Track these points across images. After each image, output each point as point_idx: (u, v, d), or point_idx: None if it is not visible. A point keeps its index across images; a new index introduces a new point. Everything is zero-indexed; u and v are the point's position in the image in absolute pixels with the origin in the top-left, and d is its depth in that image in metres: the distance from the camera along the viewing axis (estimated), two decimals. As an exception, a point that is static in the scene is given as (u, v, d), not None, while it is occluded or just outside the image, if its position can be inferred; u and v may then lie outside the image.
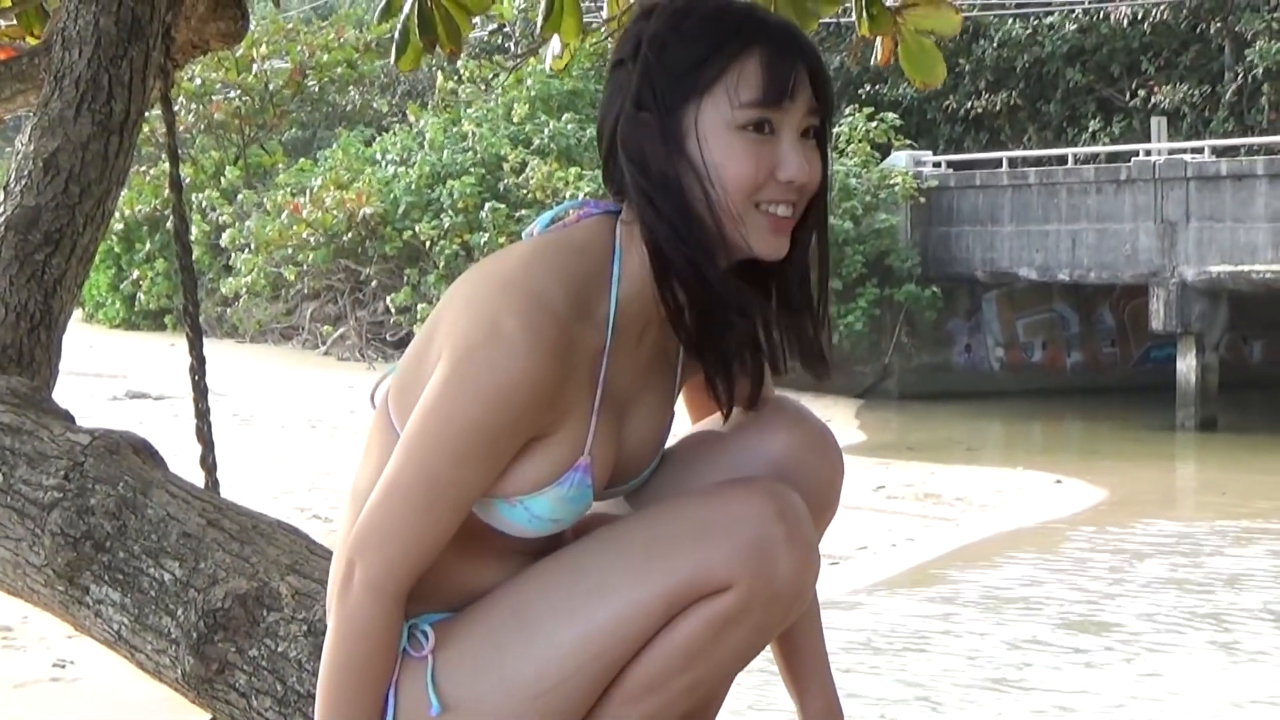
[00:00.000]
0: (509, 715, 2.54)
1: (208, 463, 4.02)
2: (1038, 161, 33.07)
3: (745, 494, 2.53)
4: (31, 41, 5.14)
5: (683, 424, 2.92)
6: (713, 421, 2.80)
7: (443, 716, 2.57)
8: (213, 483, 4.00)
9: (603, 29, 5.94)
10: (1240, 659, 14.32)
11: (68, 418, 3.65)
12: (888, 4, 4.93)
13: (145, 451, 3.50)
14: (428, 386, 2.52)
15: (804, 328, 2.68)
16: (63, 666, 12.10)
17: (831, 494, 2.74)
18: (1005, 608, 16.00)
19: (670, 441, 2.82)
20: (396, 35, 5.24)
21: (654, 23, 2.54)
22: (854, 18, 5.17)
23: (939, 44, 5.03)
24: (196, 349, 4.35)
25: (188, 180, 37.18)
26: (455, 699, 2.56)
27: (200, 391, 4.27)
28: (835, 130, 33.20)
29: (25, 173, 4.08)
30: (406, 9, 5.19)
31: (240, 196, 40.37)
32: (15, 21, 5.26)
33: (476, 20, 5.34)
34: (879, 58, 5.12)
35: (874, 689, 12.97)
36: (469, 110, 36.75)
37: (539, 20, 5.19)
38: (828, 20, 31.52)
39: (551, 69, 5.79)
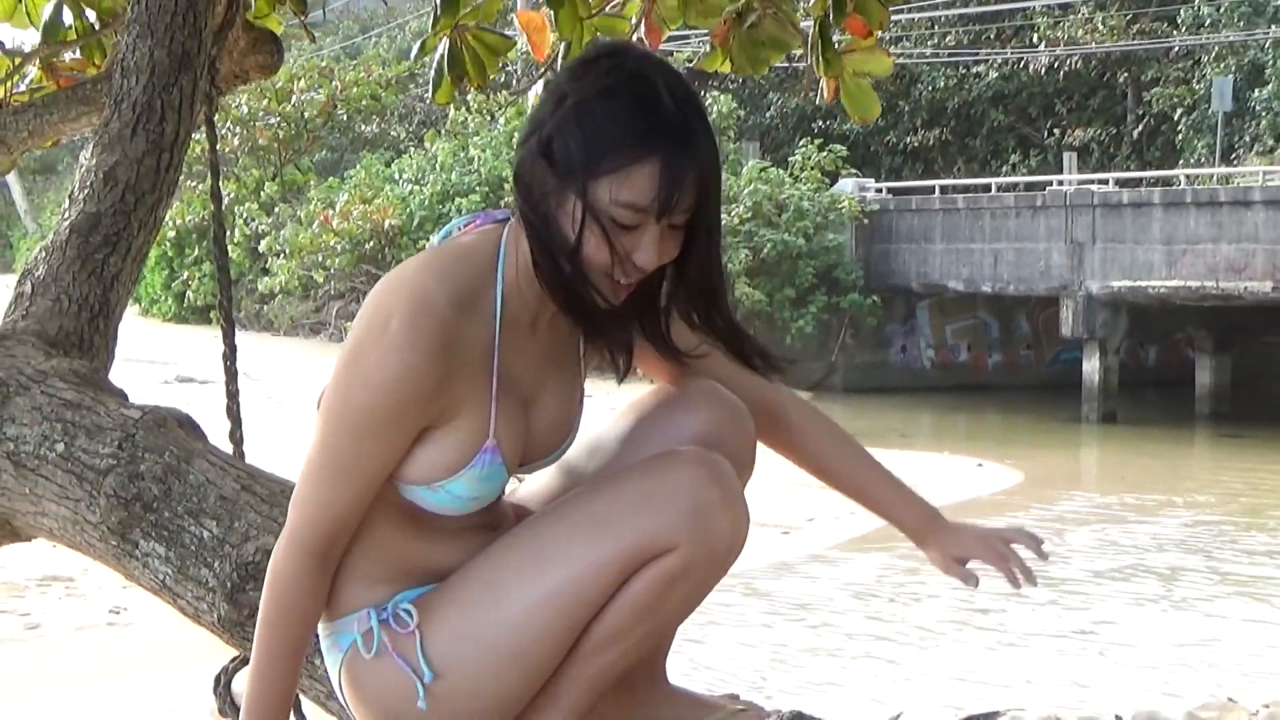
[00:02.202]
0: (491, 675, 2.55)
1: (235, 436, 4.01)
2: (965, 189, 33.08)
3: (680, 464, 2.52)
4: (92, 71, 5.12)
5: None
6: (640, 402, 2.80)
7: (435, 682, 2.56)
8: (239, 454, 3.98)
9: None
10: (1176, 605, 14.56)
11: (122, 396, 3.64)
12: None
13: (188, 425, 3.50)
14: (332, 374, 2.53)
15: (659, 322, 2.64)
16: (117, 613, 12.07)
17: (748, 456, 2.74)
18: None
19: (605, 422, 2.81)
20: (432, 73, 5.19)
21: (587, 84, 2.45)
22: (807, 62, 5.19)
23: (878, 86, 5.05)
24: (229, 338, 4.34)
25: (231, 194, 37.19)
26: (444, 666, 2.56)
27: (231, 375, 4.26)
28: (791, 159, 33.43)
29: (88, 184, 4.08)
30: (440, 50, 5.17)
31: (277, 209, 40.37)
32: (79, 54, 5.24)
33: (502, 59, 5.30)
34: (825, 96, 5.14)
35: (845, 632, 13.01)
36: (475, 138, 36.76)
37: (559, 59, 5.15)
38: (784, 65, 31.56)
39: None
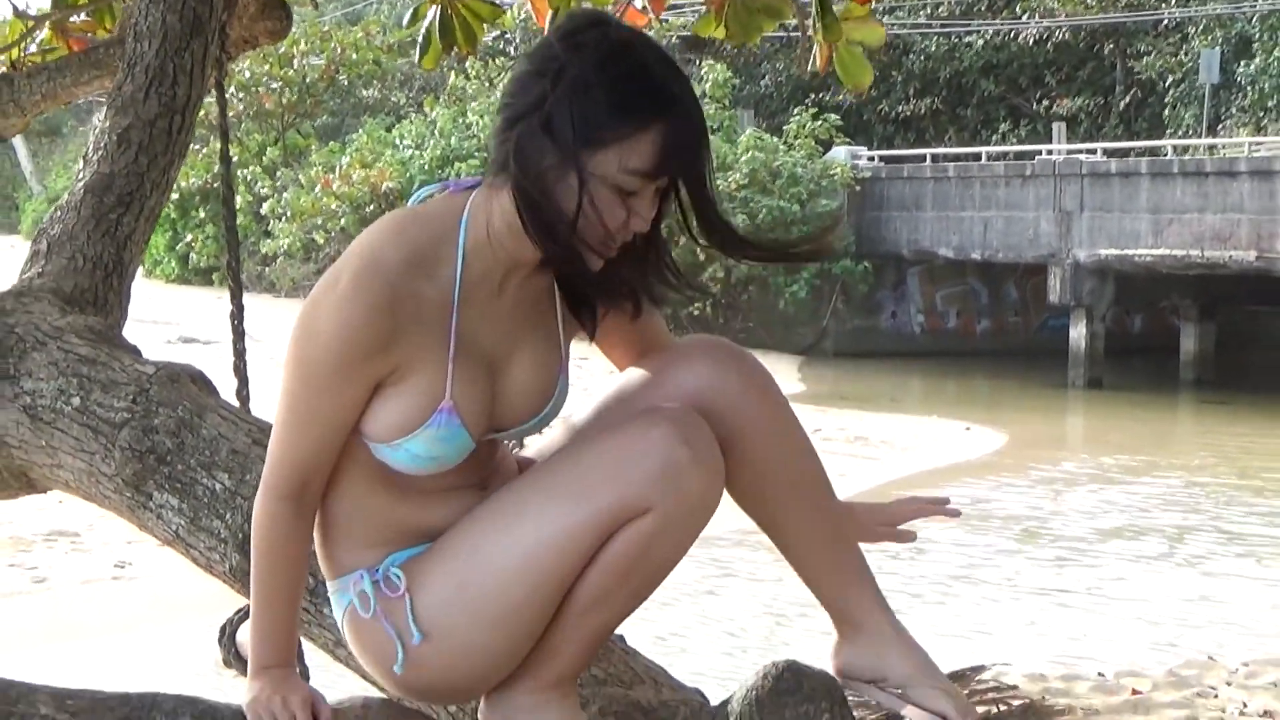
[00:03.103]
0: (478, 639, 2.56)
1: (241, 394, 4.02)
2: (956, 158, 32.98)
3: (651, 425, 2.51)
4: (103, 34, 5.13)
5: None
6: (643, 363, 2.77)
7: (423, 644, 2.57)
8: (246, 410, 4.00)
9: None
10: (1175, 563, 14.59)
11: (136, 352, 3.65)
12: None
13: (201, 381, 3.52)
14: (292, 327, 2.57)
15: (648, 281, 2.65)
16: (123, 567, 12.10)
17: (753, 393, 2.68)
18: (983, 512, 16.14)
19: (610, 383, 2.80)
20: (420, 38, 5.25)
21: (582, 59, 2.45)
22: (806, 31, 5.21)
23: (870, 55, 5.07)
24: (237, 299, 4.35)
25: (235, 158, 37.06)
26: (431, 628, 2.57)
27: (238, 334, 4.27)
28: (785, 127, 33.36)
29: (102, 145, 4.09)
30: (430, 16, 5.21)
31: (279, 173, 40.34)
32: (90, 17, 5.25)
33: (489, 26, 5.34)
34: (819, 65, 5.17)
35: (881, 577, 13.03)
36: (474, 104, 36.70)
37: (545, 27, 5.18)
38: (779, 35, 31.49)
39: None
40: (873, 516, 2.88)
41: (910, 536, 2.92)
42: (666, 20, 26.51)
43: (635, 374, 2.75)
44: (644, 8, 5.16)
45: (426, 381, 2.53)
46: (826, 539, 2.73)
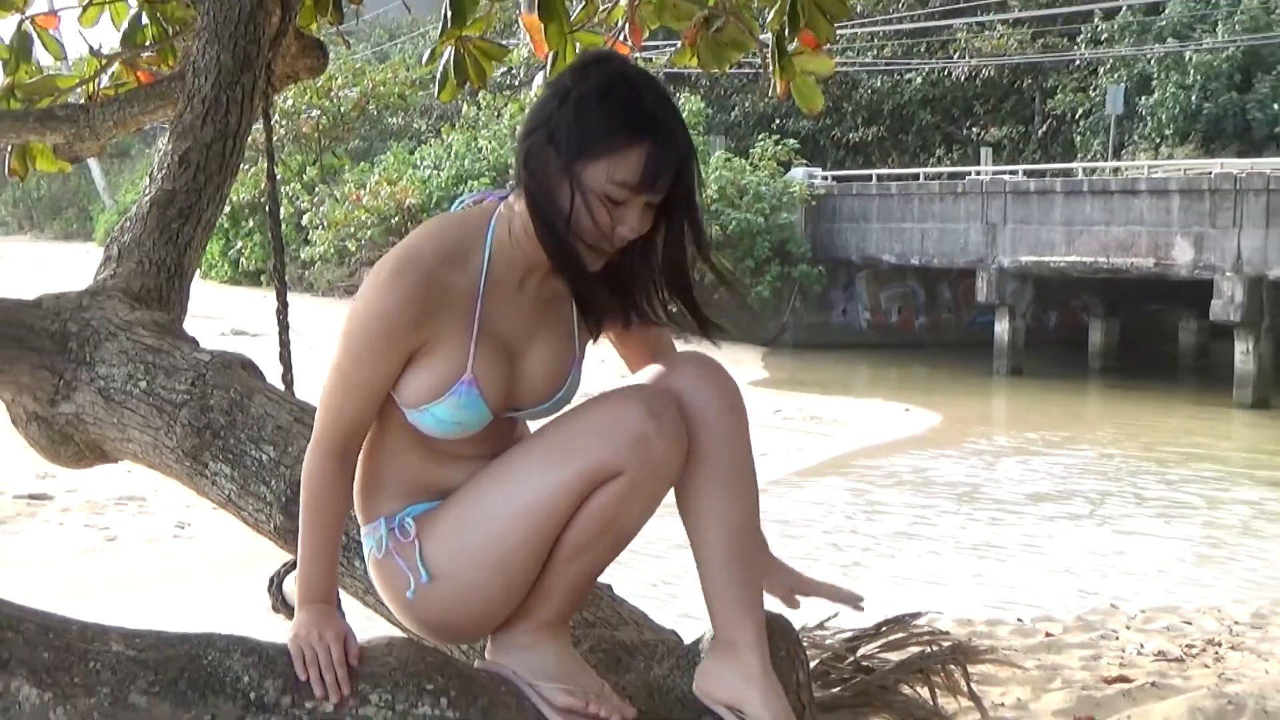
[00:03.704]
0: (479, 580, 2.58)
1: (286, 379, 4.02)
2: (898, 178, 33.03)
3: (625, 399, 2.53)
4: (166, 70, 5.13)
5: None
6: (638, 374, 2.77)
7: (431, 584, 2.60)
8: (290, 393, 4.01)
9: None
10: (1096, 522, 14.62)
11: (194, 342, 3.66)
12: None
13: (250, 368, 3.53)
14: None
15: (641, 288, 2.64)
16: (183, 527, 12.08)
17: (722, 408, 2.63)
18: (902, 487, 16.15)
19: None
20: (439, 74, 5.27)
21: (586, 85, 2.50)
22: (765, 66, 5.25)
23: (825, 89, 5.13)
24: (281, 296, 4.35)
25: (279, 176, 37.05)
26: (439, 570, 2.59)
27: (283, 327, 4.27)
28: (751, 151, 33.36)
29: (165, 165, 4.10)
30: (446, 55, 5.23)
31: (317, 189, 40.25)
32: (155, 55, 5.25)
33: (497, 65, 5.37)
34: (778, 93, 5.23)
35: (810, 543, 13.03)
36: (484, 130, 36.68)
37: (548, 66, 5.22)
38: (746, 71, 31.50)
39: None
40: (783, 575, 2.81)
41: (796, 604, 2.81)
42: (650, 58, 26.50)
43: (638, 374, 2.76)
44: (624, 39, 5.19)
45: (452, 356, 2.56)
46: (735, 560, 2.63)
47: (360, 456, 2.67)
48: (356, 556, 2.96)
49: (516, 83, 38.92)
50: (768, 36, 5.18)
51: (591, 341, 2.76)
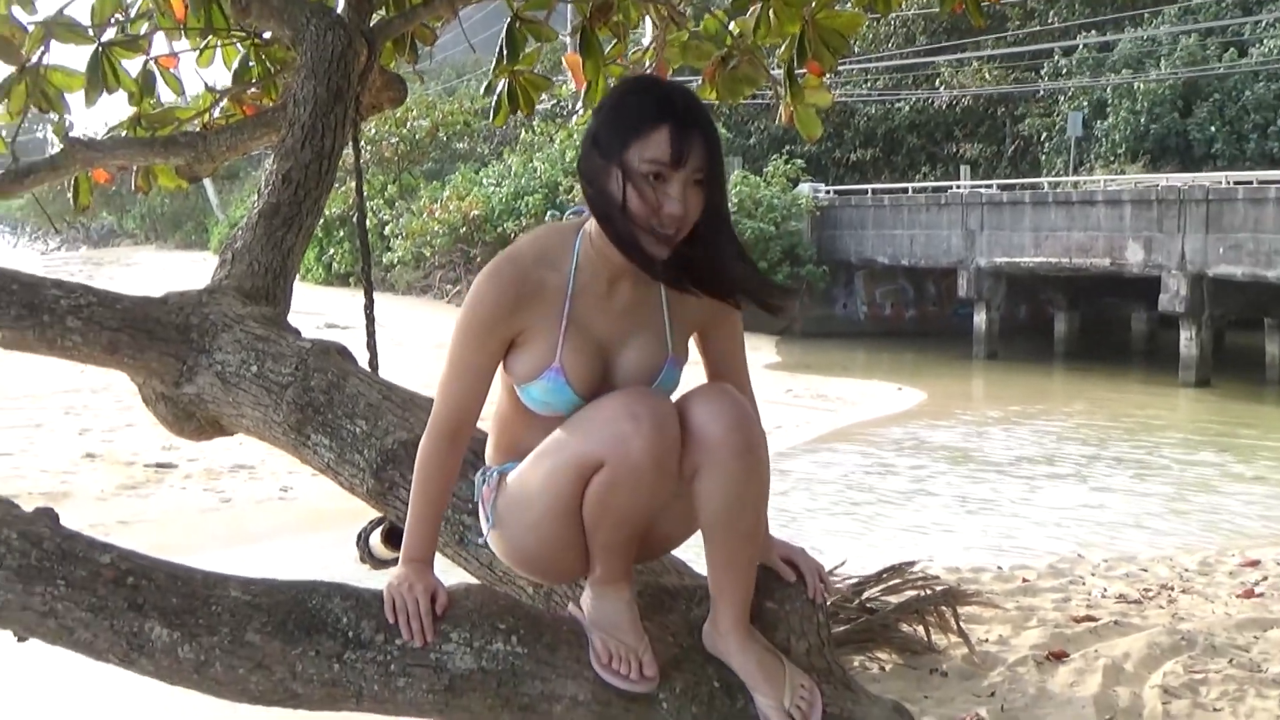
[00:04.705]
0: (522, 537, 2.55)
1: (372, 364, 4.02)
2: (889, 191, 32.91)
3: (615, 401, 2.43)
4: (269, 102, 5.13)
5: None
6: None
7: (493, 531, 2.62)
8: (375, 375, 3.99)
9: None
10: (1076, 480, 14.56)
11: (296, 333, 3.65)
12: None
13: (344, 354, 3.51)
14: None
15: (709, 275, 2.53)
16: (286, 490, 12.15)
17: (732, 447, 2.44)
18: (904, 452, 16.11)
19: None
20: (494, 103, 5.29)
21: (615, 95, 2.49)
22: (776, 96, 5.24)
23: (827, 116, 5.12)
24: (368, 295, 4.35)
25: (365, 192, 37.22)
26: (500, 519, 2.58)
27: (370, 321, 4.27)
28: (765, 169, 33.38)
29: (270, 182, 4.08)
30: (500, 86, 5.25)
31: (396, 204, 40.42)
32: (260, 89, 5.24)
33: (544, 95, 5.39)
34: (783, 120, 5.24)
35: (826, 501, 13.02)
36: (539, 153, 36.73)
37: (582, 94, 5.26)
38: (760, 101, 31.44)
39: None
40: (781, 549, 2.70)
41: (793, 577, 2.66)
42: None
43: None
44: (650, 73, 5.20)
45: (543, 346, 2.52)
46: (731, 567, 2.52)
47: (492, 416, 2.66)
48: (472, 530, 2.94)
49: (565, 113, 38.88)
50: (778, 72, 5.17)
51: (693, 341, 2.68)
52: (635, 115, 2.43)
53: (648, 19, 5.40)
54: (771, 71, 5.31)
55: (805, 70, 5.02)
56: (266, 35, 5.02)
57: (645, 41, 5.45)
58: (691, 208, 2.44)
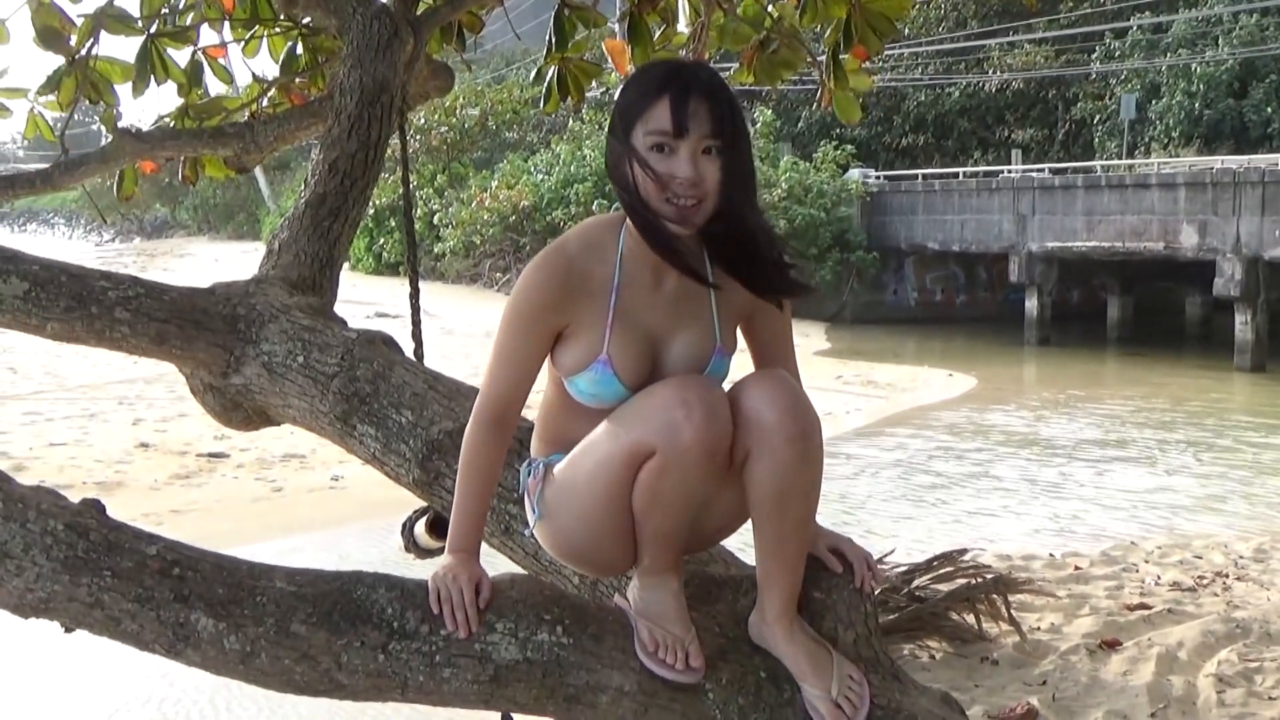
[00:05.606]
0: (571, 526, 2.53)
1: (418, 354, 4.00)
2: (940, 176, 32.67)
3: (667, 389, 2.40)
4: (315, 92, 5.13)
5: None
6: None
7: (540, 522, 2.59)
8: (421, 365, 3.98)
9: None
10: (1146, 467, 14.33)
11: (342, 323, 3.65)
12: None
13: (390, 343, 3.51)
14: None
15: (743, 262, 2.52)
16: (337, 480, 12.20)
17: (785, 433, 2.41)
18: (962, 437, 16.01)
19: None
20: (544, 89, 5.27)
21: (630, 77, 2.50)
22: (821, 79, 5.21)
23: (875, 101, 5.13)
24: (414, 285, 4.34)
25: (413, 182, 37.35)
26: (548, 510, 2.56)
27: (415, 310, 4.27)
28: (815, 155, 33.23)
29: (317, 172, 4.09)
30: (550, 74, 5.23)
31: (446, 193, 40.49)
32: (307, 80, 5.25)
33: (594, 83, 5.39)
34: (822, 104, 5.21)
35: (887, 484, 12.95)
36: (588, 141, 36.70)
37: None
38: (809, 86, 31.23)
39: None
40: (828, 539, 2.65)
41: (838, 567, 2.62)
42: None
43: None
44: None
45: (591, 337, 2.50)
46: (779, 556, 2.50)
47: (539, 407, 2.65)
48: (518, 521, 2.93)
49: (613, 100, 38.88)
50: (823, 57, 5.12)
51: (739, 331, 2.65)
52: (637, 94, 2.43)
53: (686, 3, 5.37)
54: (816, 56, 5.26)
55: (850, 55, 4.98)
56: (309, 23, 5.02)
57: (680, 27, 5.42)
58: (707, 175, 2.40)
